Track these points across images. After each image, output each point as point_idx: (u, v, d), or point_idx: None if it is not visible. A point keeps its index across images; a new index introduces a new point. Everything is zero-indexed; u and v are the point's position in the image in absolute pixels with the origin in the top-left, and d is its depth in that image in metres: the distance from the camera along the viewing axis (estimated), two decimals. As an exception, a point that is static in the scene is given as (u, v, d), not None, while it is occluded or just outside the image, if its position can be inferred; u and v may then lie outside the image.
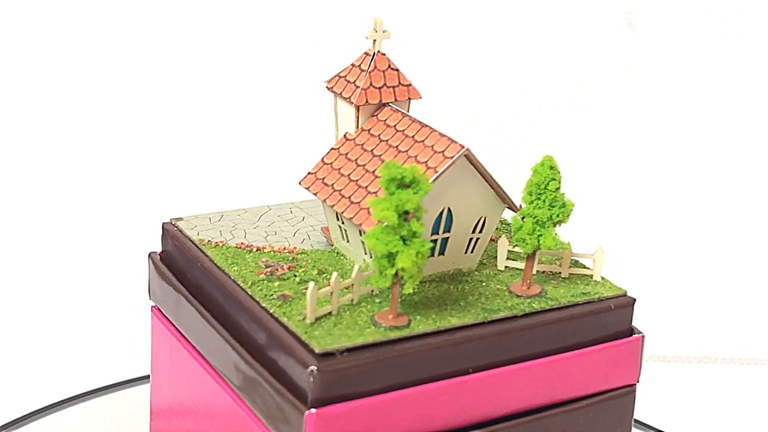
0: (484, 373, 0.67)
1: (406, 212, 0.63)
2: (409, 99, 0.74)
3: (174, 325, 0.76)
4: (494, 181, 0.70)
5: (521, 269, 0.73)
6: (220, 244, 0.74)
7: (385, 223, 0.63)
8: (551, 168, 0.69)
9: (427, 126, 0.70)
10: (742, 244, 1.19)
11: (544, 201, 0.69)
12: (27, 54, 1.12)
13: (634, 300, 0.72)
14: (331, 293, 0.66)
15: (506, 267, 0.74)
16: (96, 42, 1.13)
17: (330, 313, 0.66)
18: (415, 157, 0.69)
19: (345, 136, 0.74)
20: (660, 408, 1.04)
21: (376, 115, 0.73)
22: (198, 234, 0.76)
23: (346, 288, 0.68)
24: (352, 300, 0.68)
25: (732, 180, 1.19)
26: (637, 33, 1.12)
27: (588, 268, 0.73)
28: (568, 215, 0.69)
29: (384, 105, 0.73)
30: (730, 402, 1.07)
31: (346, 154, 0.73)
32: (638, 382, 0.73)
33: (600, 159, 1.17)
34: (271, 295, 0.68)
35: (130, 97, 1.16)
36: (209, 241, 0.75)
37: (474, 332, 0.67)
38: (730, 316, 1.16)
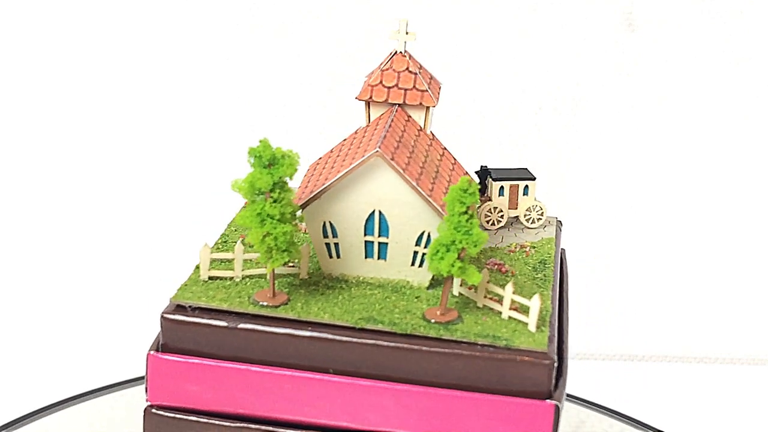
0: (341, 378, 0.66)
1: (263, 191, 0.64)
2: (422, 105, 0.72)
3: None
4: (419, 190, 0.67)
5: (473, 299, 0.69)
6: (255, 210, 0.80)
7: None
8: (462, 190, 0.64)
9: (382, 128, 0.69)
10: (742, 244, 1.16)
11: (450, 223, 0.65)
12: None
13: (553, 362, 0.64)
14: (234, 260, 0.69)
15: (460, 294, 0.70)
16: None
17: (232, 278, 0.69)
18: (354, 155, 0.69)
19: (357, 130, 0.75)
20: (660, 408, 1.04)
21: (380, 114, 0.73)
22: (257, 199, 0.82)
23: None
24: (265, 275, 0.70)
25: (733, 179, 1.14)
26: (637, 33, 1.03)
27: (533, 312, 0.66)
28: (475, 245, 0.64)
29: (394, 106, 0.73)
30: (730, 402, 1.07)
31: (341, 147, 0.74)
32: (550, 456, 0.65)
33: (600, 159, 1.12)
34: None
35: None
36: (252, 205, 0.80)
37: (337, 335, 0.65)
38: (730, 316, 1.15)
